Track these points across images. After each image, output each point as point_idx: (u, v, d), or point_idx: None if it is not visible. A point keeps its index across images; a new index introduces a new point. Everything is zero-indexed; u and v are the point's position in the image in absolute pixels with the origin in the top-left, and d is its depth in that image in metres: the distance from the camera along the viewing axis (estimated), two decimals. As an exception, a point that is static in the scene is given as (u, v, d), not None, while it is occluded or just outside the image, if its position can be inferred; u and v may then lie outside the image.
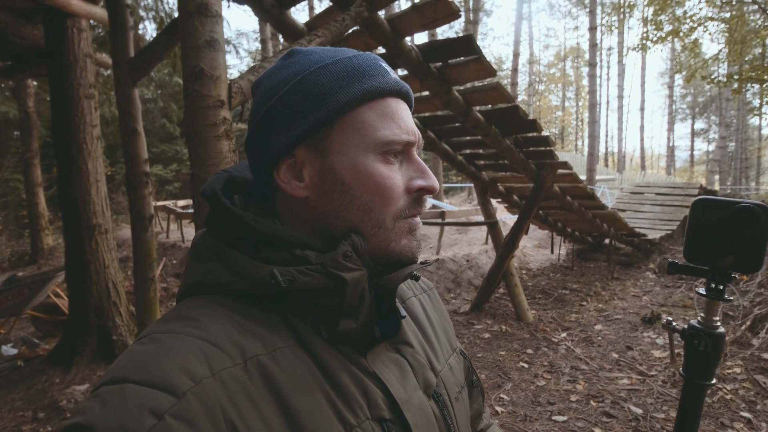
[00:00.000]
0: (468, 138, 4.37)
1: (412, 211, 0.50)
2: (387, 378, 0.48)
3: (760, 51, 9.82)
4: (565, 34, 53.42)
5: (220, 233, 0.48)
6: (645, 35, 9.24)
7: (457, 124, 3.99)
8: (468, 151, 4.71)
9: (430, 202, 12.73)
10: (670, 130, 32.85)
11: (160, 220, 9.39)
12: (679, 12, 8.50)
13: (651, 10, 8.92)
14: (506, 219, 8.53)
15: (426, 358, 0.56)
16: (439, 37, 12.89)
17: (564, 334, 4.11)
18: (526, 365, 3.47)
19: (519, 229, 4.48)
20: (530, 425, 2.62)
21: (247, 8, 2.39)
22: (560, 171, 4.27)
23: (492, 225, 5.11)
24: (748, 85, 7.90)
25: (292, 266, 0.44)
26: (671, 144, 32.89)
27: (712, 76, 8.86)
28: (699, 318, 0.63)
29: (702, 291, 0.63)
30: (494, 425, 0.75)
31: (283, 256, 0.46)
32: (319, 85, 0.48)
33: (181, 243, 7.85)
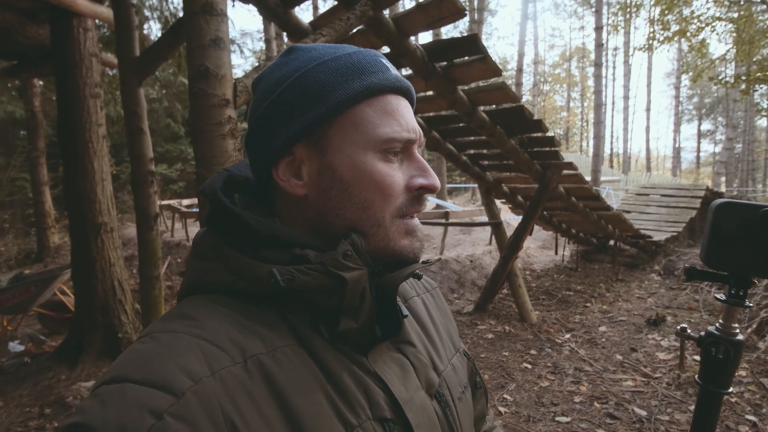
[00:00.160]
0: (472, 138, 4.36)
1: (411, 209, 0.50)
2: (388, 378, 0.48)
3: (768, 51, 9.74)
4: (571, 33, 53.22)
5: (220, 232, 0.48)
6: (651, 35, 9.19)
7: (461, 124, 3.98)
8: (472, 151, 4.70)
9: (433, 202, 12.72)
10: (676, 131, 32.63)
11: (164, 219, 9.43)
12: (686, 12, 8.44)
13: (658, 9, 8.86)
14: (510, 219, 8.51)
15: (428, 358, 0.55)
16: (444, 37, 12.88)
17: (568, 335, 4.09)
18: (529, 366, 3.46)
19: (523, 230, 4.46)
20: (533, 426, 2.61)
21: (251, 7, 2.39)
22: (565, 172, 4.25)
23: (496, 225, 5.10)
24: (756, 86, 7.83)
25: (291, 265, 0.44)
26: (677, 145, 32.68)
27: (720, 77, 8.80)
28: (717, 325, 0.62)
29: (721, 296, 0.61)
30: (498, 427, 0.75)
31: (283, 256, 0.45)
32: (317, 82, 0.47)
33: (186, 242, 7.88)
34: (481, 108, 3.45)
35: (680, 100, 33.33)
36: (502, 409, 2.81)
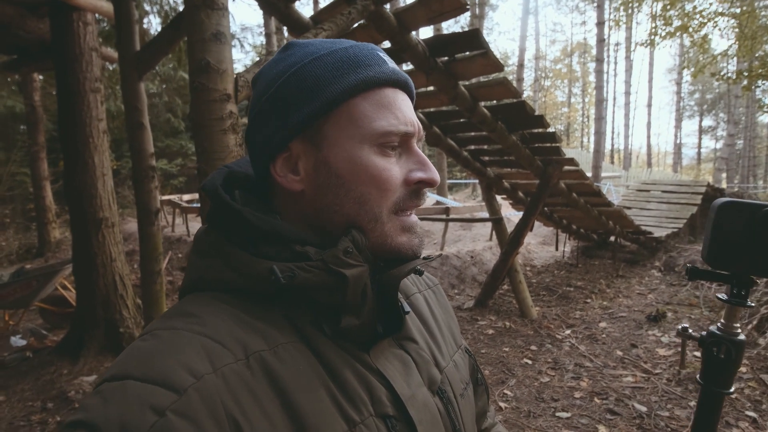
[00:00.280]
0: (473, 134, 4.35)
1: (409, 203, 0.49)
2: (390, 374, 0.48)
3: (770, 47, 9.68)
4: (572, 29, 52.95)
5: (221, 229, 0.48)
6: (653, 31, 9.14)
7: (462, 120, 3.97)
8: (473, 147, 4.69)
9: (433, 198, 12.71)
10: (678, 127, 32.54)
11: (165, 214, 9.43)
12: (688, 7, 8.39)
13: (660, 5, 8.81)
14: (510, 215, 8.51)
15: (430, 355, 0.55)
16: (444, 32, 12.83)
17: (568, 331, 4.10)
18: (530, 361, 3.47)
19: (524, 226, 4.46)
20: (534, 421, 2.62)
21: (252, 2, 2.39)
22: (566, 168, 4.24)
23: (497, 221, 5.10)
24: (759, 82, 7.79)
25: (291, 262, 0.44)
26: (678, 141, 32.60)
27: (722, 73, 8.76)
28: (719, 324, 0.62)
29: (723, 296, 0.61)
30: (498, 424, 0.75)
31: (283, 252, 0.45)
32: (312, 77, 0.47)
33: (187, 237, 7.89)
34: (483, 103, 3.44)
35: (681, 96, 33.23)
36: (502, 404, 2.82)
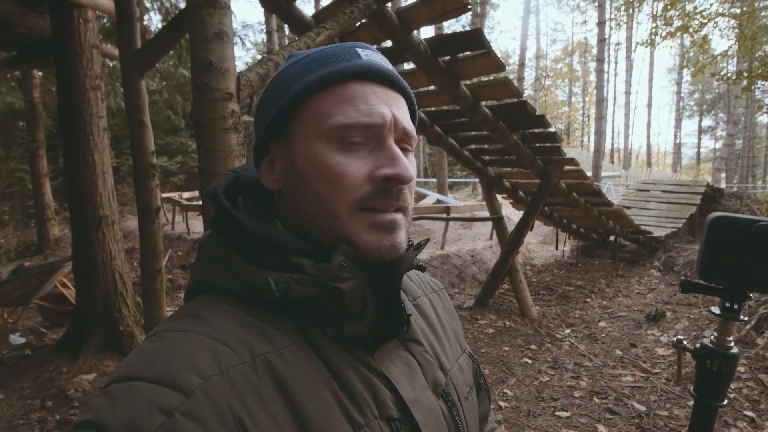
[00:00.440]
0: (474, 133, 4.35)
1: (377, 202, 0.46)
2: (395, 377, 0.48)
3: (771, 47, 9.67)
4: (573, 28, 53.00)
5: (222, 235, 0.48)
6: (654, 31, 9.13)
7: (464, 119, 3.97)
8: (474, 146, 4.69)
9: (434, 197, 12.70)
10: (677, 126, 32.54)
11: (165, 212, 9.43)
12: (689, 8, 8.38)
13: (661, 5, 8.81)
14: (510, 214, 8.51)
15: (435, 357, 0.55)
16: (445, 31, 12.81)
17: (568, 331, 4.11)
18: (529, 361, 3.47)
19: (525, 225, 4.47)
20: (533, 420, 2.63)
21: None
22: (567, 167, 4.25)
23: (497, 221, 5.10)
24: (758, 82, 7.79)
25: (288, 273, 0.44)
26: (678, 141, 32.60)
27: (722, 73, 8.75)
28: (712, 337, 0.62)
29: (716, 310, 0.61)
30: (498, 428, 0.75)
31: (280, 262, 0.45)
32: (282, 80, 0.50)
33: (187, 235, 7.88)
34: (484, 103, 3.44)
35: (681, 96, 33.22)
36: (502, 403, 2.83)
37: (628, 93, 25.60)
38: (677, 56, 29.94)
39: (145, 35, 3.74)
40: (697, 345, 0.64)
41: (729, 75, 8.31)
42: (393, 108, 0.48)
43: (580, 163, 4.33)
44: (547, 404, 2.82)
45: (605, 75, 14.69)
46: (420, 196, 13.30)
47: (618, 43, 29.86)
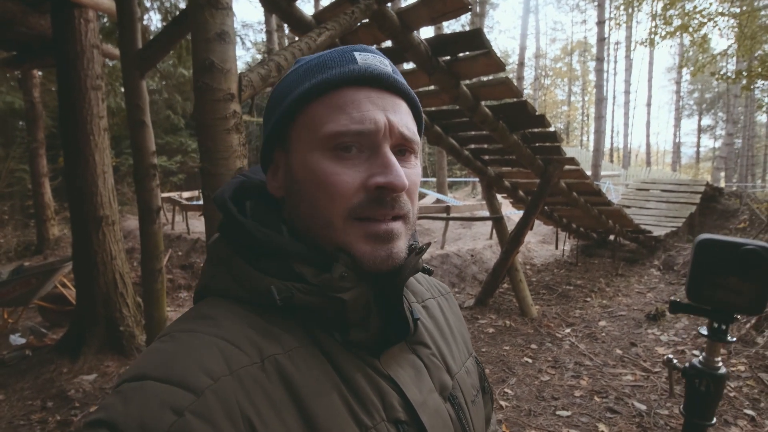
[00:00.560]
0: (474, 133, 4.36)
1: (369, 211, 0.45)
2: (402, 380, 0.48)
3: (770, 47, 9.68)
4: (573, 27, 52.98)
5: (229, 240, 0.49)
6: (654, 30, 9.14)
7: (464, 119, 3.97)
8: (474, 146, 4.69)
9: (434, 196, 12.71)
10: (677, 126, 32.55)
11: (165, 212, 9.42)
12: (689, 7, 8.39)
13: (660, 4, 8.81)
14: (510, 214, 8.52)
15: (442, 360, 0.56)
16: (445, 31, 12.81)
17: (568, 330, 4.12)
18: (530, 360, 3.48)
19: (525, 225, 4.47)
20: (534, 420, 2.63)
21: None
22: (567, 167, 4.25)
23: (497, 220, 5.11)
24: (758, 81, 7.80)
25: (291, 281, 0.45)
26: (677, 140, 32.61)
27: (721, 72, 8.76)
28: (701, 358, 0.63)
29: (704, 331, 0.62)
30: (499, 430, 0.75)
31: (284, 269, 0.46)
32: (281, 89, 0.51)
33: (187, 234, 7.88)
34: (484, 103, 3.44)
35: (681, 95, 33.23)
36: (503, 403, 2.83)
37: (627, 92, 25.62)
38: (677, 55, 29.98)
39: (145, 35, 3.74)
40: (687, 364, 0.64)
41: (728, 74, 8.32)
42: (389, 113, 0.47)
43: (579, 163, 4.33)
44: (548, 403, 2.82)
45: (605, 74, 14.70)
46: (420, 196, 13.28)
47: (617, 43, 29.90)
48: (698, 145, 35.90)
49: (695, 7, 8.33)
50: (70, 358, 3.37)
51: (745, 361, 3.16)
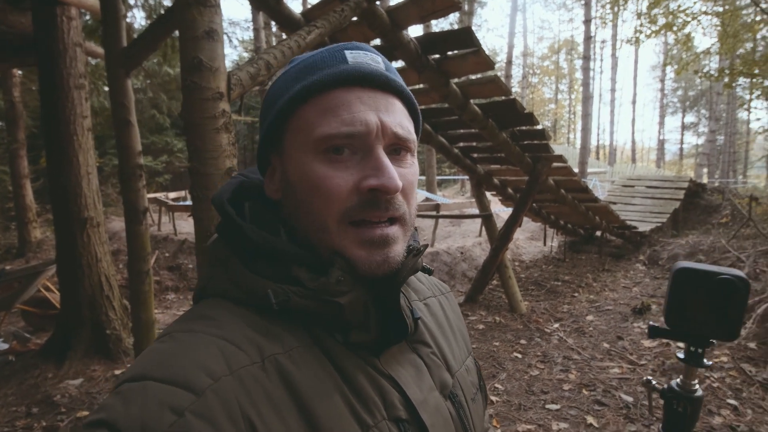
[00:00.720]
0: (463, 131, 4.38)
1: (363, 213, 0.45)
2: (403, 379, 0.48)
3: (751, 45, 9.90)
4: (560, 26, 53.41)
5: (227, 242, 0.49)
6: (639, 29, 9.27)
7: (453, 117, 3.99)
8: (463, 144, 4.71)
9: (423, 194, 12.74)
10: (661, 123, 33.17)
11: (151, 213, 9.30)
12: (673, 6, 8.53)
13: (645, 3, 8.94)
14: (499, 211, 8.58)
15: (442, 359, 0.56)
16: (433, 29, 12.83)
17: (556, 325, 4.17)
18: (519, 355, 3.52)
19: (514, 222, 4.51)
20: (524, 414, 2.66)
21: (242, -2, 2.35)
22: (555, 164, 4.30)
23: (487, 218, 5.15)
24: (739, 79, 7.98)
25: (288, 284, 0.44)
26: (661, 137, 33.23)
27: (704, 70, 8.93)
28: (678, 381, 0.65)
29: (681, 356, 0.64)
30: (491, 427, 0.76)
31: (281, 272, 0.45)
32: (273, 91, 0.51)
33: (173, 236, 7.78)
34: (474, 101, 3.46)
35: (665, 93, 33.81)
36: (493, 398, 2.86)
37: (613, 90, 26.00)
38: (661, 54, 30.47)
39: (129, 33, 3.68)
40: (665, 386, 0.67)
41: (711, 72, 8.48)
42: (381, 113, 0.46)
43: (567, 160, 4.38)
44: (538, 397, 2.86)
45: (591, 72, 14.88)
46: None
47: (604, 41, 30.32)
48: (682, 142, 36.58)
49: (679, 6, 8.48)
50: (56, 363, 3.30)
51: (727, 352, 3.24)
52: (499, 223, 5.19)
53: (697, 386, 0.64)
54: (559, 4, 34.73)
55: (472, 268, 6.20)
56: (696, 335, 0.62)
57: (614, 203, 8.83)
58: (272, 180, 0.52)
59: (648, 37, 9.03)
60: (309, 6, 2.72)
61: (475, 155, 4.89)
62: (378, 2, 2.47)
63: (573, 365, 3.30)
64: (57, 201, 3.45)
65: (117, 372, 3.26)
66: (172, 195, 11.11)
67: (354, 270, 0.45)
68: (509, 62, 17.44)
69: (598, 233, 7.30)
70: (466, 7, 14.78)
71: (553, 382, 3.06)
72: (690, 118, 35.99)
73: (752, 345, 3.28)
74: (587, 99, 13.78)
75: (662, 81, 32.13)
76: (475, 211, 5.88)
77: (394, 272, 0.47)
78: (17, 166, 7.71)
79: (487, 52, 2.82)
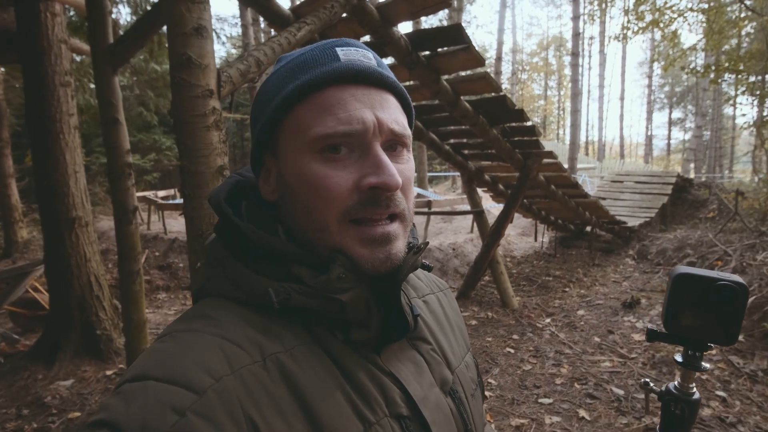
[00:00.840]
0: (454, 128, 4.39)
1: (364, 212, 0.45)
2: (403, 376, 0.48)
3: (736, 42, 10.05)
4: (548, 22, 53.76)
5: (225, 242, 0.48)
6: (626, 25, 9.36)
7: (444, 114, 3.99)
8: (453, 141, 4.73)
9: (414, 191, 12.74)
10: (649, 119, 33.55)
11: (140, 212, 9.18)
12: (659, 2, 8.62)
13: (632, 0, 9.03)
14: (490, 207, 8.63)
15: (442, 355, 0.56)
16: (423, 25, 12.81)
17: (548, 320, 4.21)
18: (512, 350, 3.55)
19: (505, 218, 4.54)
20: (517, 408, 2.69)
21: (231, -7, 2.32)
22: (545, 160, 4.33)
23: (478, 214, 5.17)
24: (725, 75, 8.10)
25: (289, 282, 0.44)
26: (649, 133, 33.62)
27: (691, 66, 9.05)
28: (676, 383, 0.66)
29: (679, 359, 0.65)
30: (488, 424, 0.77)
31: (281, 271, 0.45)
32: (265, 91, 0.50)
33: (164, 235, 7.70)
34: (464, 98, 3.47)
35: (652, 89, 34.20)
36: (486, 393, 2.88)
37: (601, 86, 26.24)
38: (648, 50, 30.79)
39: (115, 29, 3.62)
40: (663, 388, 0.67)
41: (697, 68, 8.60)
42: (377, 110, 0.46)
43: (557, 156, 4.42)
44: (530, 392, 2.89)
45: (580, 69, 14.98)
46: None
47: (592, 38, 30.50)
48: (669, 138, 37.08)
49: (666, 2, 8.57)
50: (45, 364, 3.26)
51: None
52: (491, 220, 5.22)
53: (695, 389, 0.65)
54: (547, 0, 34.89)
55: (464, 264, 6.23)
56: (694, 340, 0.63)
57: (603, 199, 8.93)
58: (267, 181, 0.51)
59: (635, 33, 9.12)
60: (298, 2, 2.70)
61: (466, 152, 4.91)
62: (369, -2, 2.46)
63: (565, 359, 3.33)
64: (44, 200, 3.39)
65: (108, 373, 3.23)
66: (161, 193, 10.98)
67: (356, 267, 0.45)
68: (499, 59, 17.50)
69: (588, 228, 7.38)
70: (455, 4, 14.78)
71: (545, 376, 3.09)
72: (677, 113, 36.48)
73: (740, 337, 3.34)
74: (576, 95, 13.89)
75: (650, 77, 32.51)
76: (467, 207, 5.90)
77: (396, 269, 0.47)
78: (2, 165, 7.56)
79: (476, 49, 2.83)
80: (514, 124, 3.89)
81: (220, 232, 0.49)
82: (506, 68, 30.92)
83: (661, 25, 8.55)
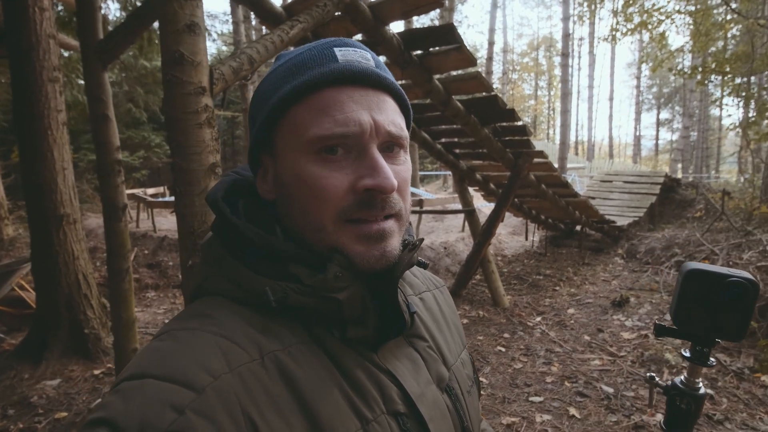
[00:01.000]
0: (445, 127, 4.40)
1: (359, 213, 0.45)
2: (400, 373, 0.49)
3: (722, 44, 10.22)
4: (539, 23, 54.09)
5: (223, 240, 0.48)
6: (615, 27, 9.46)
7: (436, 113, 4.00)
8: (445, 140, 4.74)
9: (410, 191, 12.74)
10: (637, 119, 33.91)
11: (129, 210, 9.07)
12: (648, 4, 8.73)
13: (621, 2, 9.13)
14: (482, 207, 8.67)
15: (438, 352, 0.57)
16: (415, 25, 12.82)
17: (539, 318, 4.25)
18: (503, 349, 3.57)
19: (496, 217, 4.57)
20: (508, 407, 2.71)
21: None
22: (536, 160, 4.36)
23: (470, 213, 5.19)
24: (711, 76, 8.23)
25: (286, 281, 0.44)
26: (638, 133, 33.99)
27: (678, 68, 9.18)
28: (683, 378, 0.66)
29: (687, 354, 0.65)
30: (483, 420, 0.78)
31: (278, 270, 0.45)
32: (262, 90, 0.50)
33: (153, 232, 7.62)
34: (456, 97, 3.48)
35: (641, 90, 34.59)
36: (478, 391, 2.90)
37: (591, 87, 26.51)
38: (637, 51, 31.15)
39: (104, 25, 3.57)
40: (668, 383, 0.68)
41: (685, 70, 8.72)
42: (374, 112, 0.46)
43: (548, 156, 4.46)
44: (521, 390, 2.91)
45: (570, 69, 15.11)
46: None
47: (581, 38, 30.77)
48: (657, 138, 37.56)
49: (654, 4, 8.68)
50: (32, 363, 3.21)
51: (701, 342, 3.36)
52: (482, 219, 5.25)
53: (701, 384, 0.65)
54: (537, 1, 35.14)
55: (456, 263, 6.26)
56: (702, 335, 0.63)
57: (593, 198, 9.03)
58: (265, 181, 0.51)
59: (624, 35, 9.23)
60: (292, 0, 2.69)
61: (458, 151, 4.93)
62: (362, -3, 2.45)
63: (555, 358, 3.37)
64: (31, 197, 3.34)
65: (96, 372, 3.19)
66: (151, 191, 10.86)
67: (352, 266, 0.46)
68: (490, 58, 17.57)
69: (578, 228, 7.45)
70: (447, 3, 14.81)
71: (536, 374, 3.12)
72: (665, 114, 36.98)
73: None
74: (566, 95, 14.01)
75: (638, 78, 32.87)
76: (458, 206, 5.93)
77: (392, 267, 0.47)
78: (-14, 162, 7.42)
79: (468, 49, 2.84)
80: (505, 124, 3.91)
81: (218, 230, 0.49)
82: (497, 68, 31.06)
83: (650, 26, 8.66)
